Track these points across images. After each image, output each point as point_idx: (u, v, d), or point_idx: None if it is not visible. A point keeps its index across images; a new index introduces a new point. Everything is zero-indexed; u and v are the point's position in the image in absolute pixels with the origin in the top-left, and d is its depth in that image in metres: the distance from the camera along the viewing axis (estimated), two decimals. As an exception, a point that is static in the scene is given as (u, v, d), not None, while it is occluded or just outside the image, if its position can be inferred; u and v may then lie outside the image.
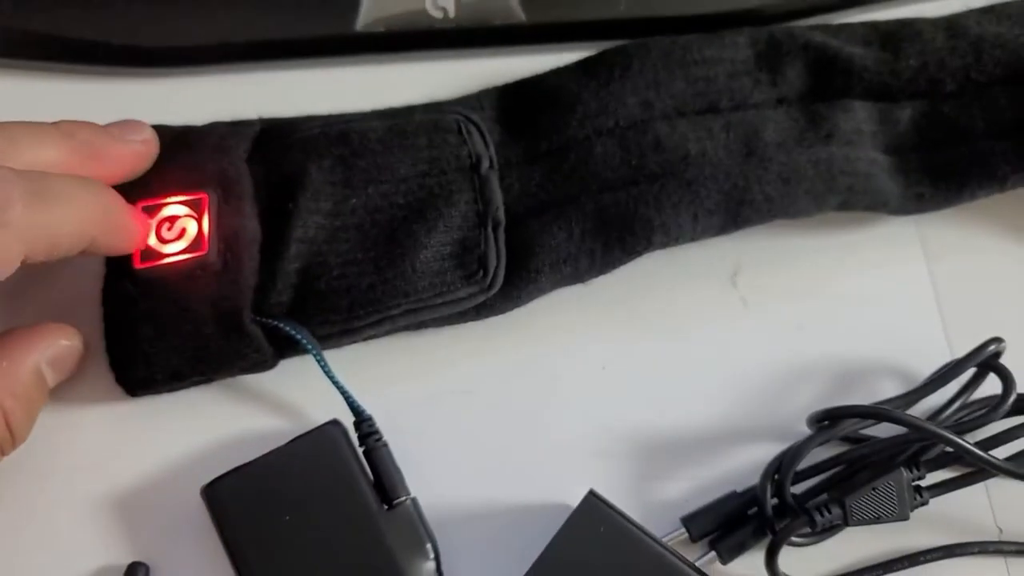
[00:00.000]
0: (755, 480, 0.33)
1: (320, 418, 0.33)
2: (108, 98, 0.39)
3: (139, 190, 0.34)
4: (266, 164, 0.35)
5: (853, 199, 0.36)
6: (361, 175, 0.35)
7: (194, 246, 0.33)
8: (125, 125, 0.34)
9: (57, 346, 0.32)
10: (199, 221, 0.33)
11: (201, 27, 0.39)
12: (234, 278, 0.33)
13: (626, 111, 0.37)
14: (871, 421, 0.33)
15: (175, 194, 0.34)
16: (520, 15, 0.40)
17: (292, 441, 0.33)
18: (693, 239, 0.36)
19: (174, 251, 0.33)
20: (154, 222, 0.34)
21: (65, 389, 0.34)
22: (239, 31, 0.39)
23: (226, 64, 0.39)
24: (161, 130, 0.35)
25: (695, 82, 0.37)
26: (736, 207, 0.35)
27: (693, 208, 0.35)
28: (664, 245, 0.35)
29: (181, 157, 0.35)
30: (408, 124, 0.36)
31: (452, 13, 0.40)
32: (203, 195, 0.34)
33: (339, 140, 0.35)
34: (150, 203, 0.34)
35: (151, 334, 0.32)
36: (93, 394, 0.34)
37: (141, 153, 0.34)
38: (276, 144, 0.36)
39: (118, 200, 0.32)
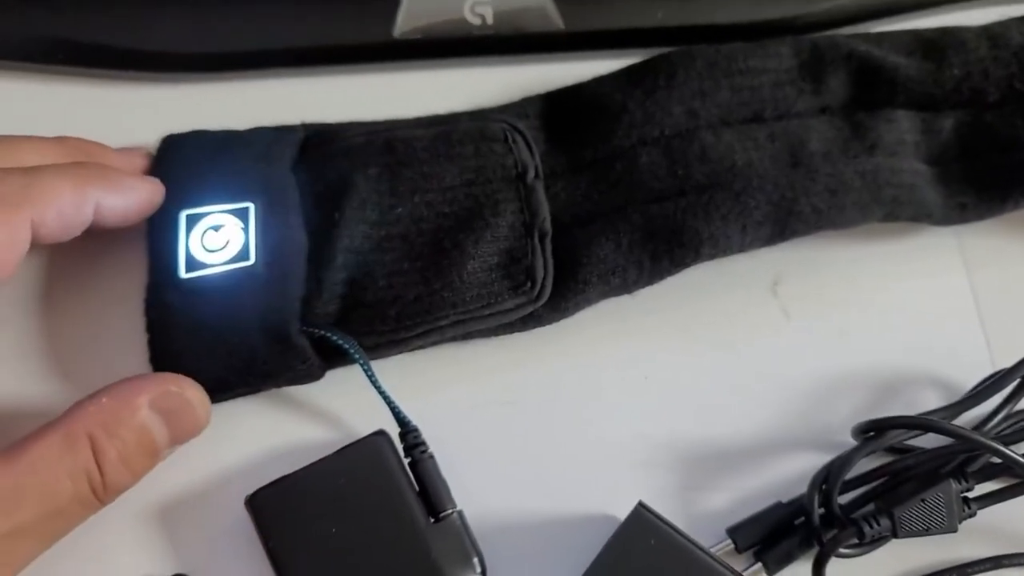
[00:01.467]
0: (799, 490, 0.33)
1: (364, 428, 0.33)
2: (145, 104, 0.38)
3: (183, 198, 0.34)
4: (311, 172, 0.35)
5: (898, 210, 0.36)
6: (407, 184, 0.35)
7: (240, 256, 0.33)
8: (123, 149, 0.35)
9: (168, 393, 0.31)
10: (245, 231, 0.33)
11: (238, 33, 0.39)
12: (281, 289, 0.33)
13: (672, 120, 0.37)
14: (917, 432, 0.33)
15: (220, 203, 0.34)
16: (558, 23, 0.40)
17: (338, 452, 0.32)
18: (741, 250, 0.36)
19: (219, 261, 0.33)
20: (200, 231, 0.33)
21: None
22: (276, 38, 0.39)
23: (263, 71, 0.39)
24: (204, 136, 0.35)
25: (740, 91, 0.37)
26: (784, 218, 0.35)
27: (742, 219, 0.35)
28: (712, 256, 0.35)
29: (225, 164, 0.34)
30: (454, 132, 0.36)
31: (490, 20, 0.40)
32: (248, 204, 0.33)
33: (385, 149, 0.35)
34: (194, 212, 0.33)
35: (197, 345, 0.32)
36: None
37: (136, 164, 0.34)
38: (321, 152, 0.35)
39: (109, 167, 0.33)
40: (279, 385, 0.34)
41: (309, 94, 0.39)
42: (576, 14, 0.40)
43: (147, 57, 0.38)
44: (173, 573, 0.32)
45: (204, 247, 0.33)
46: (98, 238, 0.33)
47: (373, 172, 0.35)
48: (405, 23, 0.39)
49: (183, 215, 0.33)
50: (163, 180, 0.34)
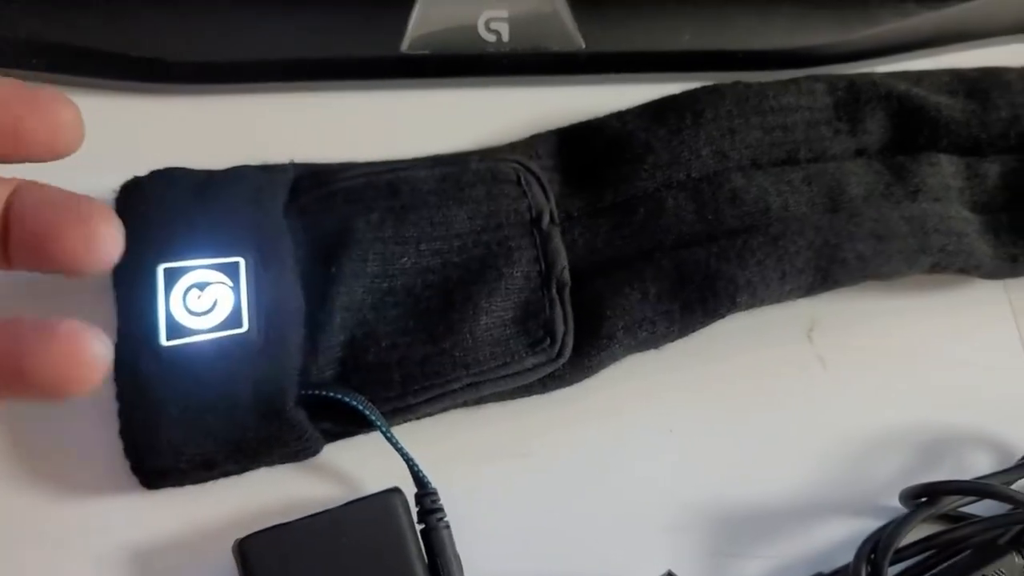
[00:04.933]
0: (840, 558, 0.31)
1: (370, 489, 0.29)
2: (133, 117, 0.35)
3: (159, 249, 0.30)
4: (305, 218, 0.32)
5: (946, 260, 0.34)
6: (413, 231, 0.32)
7: (231, 322, 0.29)
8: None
9: None
10: (235, 291, 0.29)
11: (236, 42, 0.35)
12: (278, 360, 0.29)
13: (699, 162, 0.34)
14: (972, 498, 0.31)
15: (204, 255, 0.30)
16: (579, 42, 0.37)
17: (345, 505, 0.29)
18: (779, 299, 0.33)
19: (206, 327, 0.29)
20: (181, 290, 0.29)
21: (70, 474, 0.30)
22: (277, 48, 0.35)
23: (262, 84, 0.36)
24: (177, 174, 0.31)
25: (772, 131, 0.35)
26: (827, 265, 0.32)
27: (781, 265, 0.32)
28: (749, 306, 0.32)
29: (207, 209, 0.30)
30: (463, 173, 0.33)
31: (506, 38, 0.37)
32: (238, 259, 0.30)
33: (388, 191, 0.32)
34: (174, 266, 0.29)
35: (178, 419, 0.28)
36: (103, 484, 0.30)
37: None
38: (315, 194, 0.32)
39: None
40: (272, 463, 0.30)
41: (310, 111, 0.36)
42: (597, 34, 0.37)
43: (136, 64, 0.35)
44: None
45: (187, 309, 0.29)
46: (61, 290, 0.28)
47: (375, 218, 0.31)
48: (415, 38, 0.36)
49: (160, 269, 0.29)
50: (131, 226, 0.27)
